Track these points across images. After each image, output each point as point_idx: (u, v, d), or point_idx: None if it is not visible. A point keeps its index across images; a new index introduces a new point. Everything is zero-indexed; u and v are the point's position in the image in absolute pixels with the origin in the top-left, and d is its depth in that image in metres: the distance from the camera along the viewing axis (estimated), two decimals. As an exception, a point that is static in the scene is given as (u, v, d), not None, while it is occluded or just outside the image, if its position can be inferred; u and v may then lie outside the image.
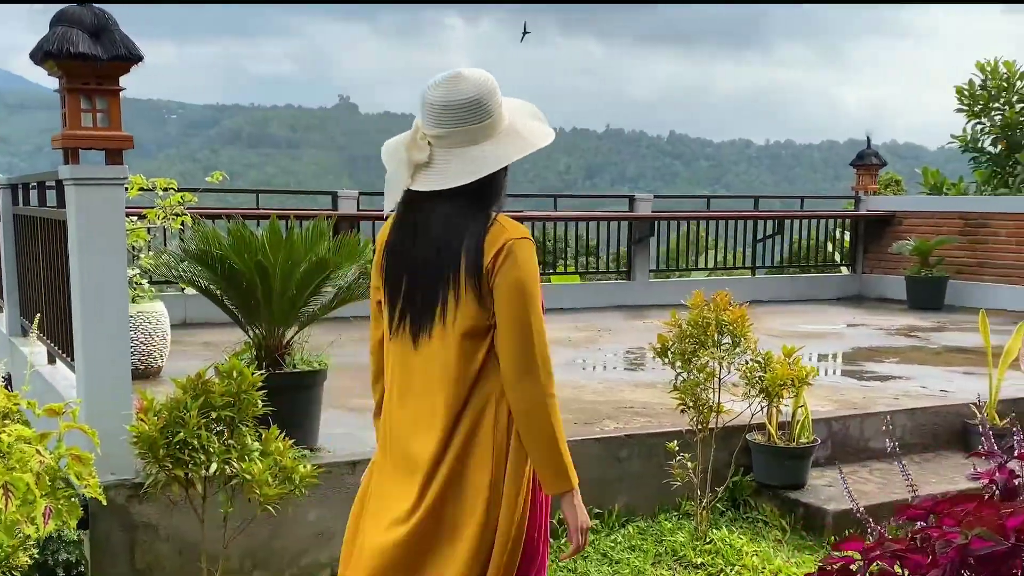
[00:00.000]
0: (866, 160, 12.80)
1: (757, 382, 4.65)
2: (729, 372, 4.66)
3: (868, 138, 13.03)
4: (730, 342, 4.66)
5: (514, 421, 2.40)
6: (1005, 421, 5.68)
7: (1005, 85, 14.35)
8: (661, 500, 5.01)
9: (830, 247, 13.34)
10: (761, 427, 5.11)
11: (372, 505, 2.54)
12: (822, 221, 12.67)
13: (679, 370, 4.67)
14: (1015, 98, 14.27)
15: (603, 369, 7.17)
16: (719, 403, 4.67)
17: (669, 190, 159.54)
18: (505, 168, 2.41)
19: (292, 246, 4.31)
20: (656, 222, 11.27)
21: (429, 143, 2.38)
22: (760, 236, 12.13)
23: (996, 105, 14.41)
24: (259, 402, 3.65)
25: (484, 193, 2.40)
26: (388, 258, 2.49)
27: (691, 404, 4.64)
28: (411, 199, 2.43)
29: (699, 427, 4.69)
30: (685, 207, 13.00)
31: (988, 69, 14.52)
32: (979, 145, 14.56)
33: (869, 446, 5.58)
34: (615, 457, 4.91)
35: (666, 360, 4.71)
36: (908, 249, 11.20)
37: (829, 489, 5.10)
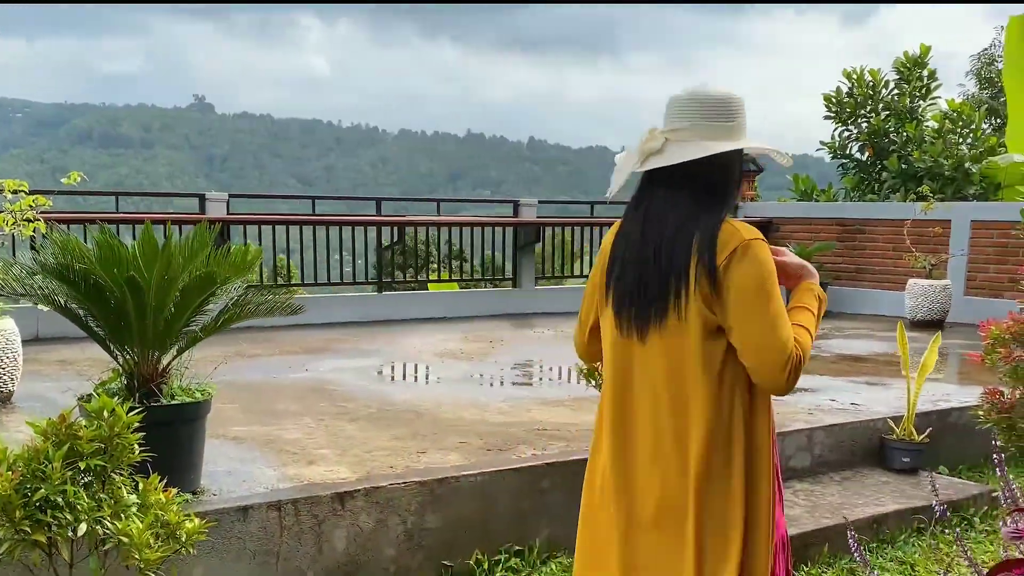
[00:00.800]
0: (744, 166, 12.73)
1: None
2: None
3: (746, 144, 12.98)
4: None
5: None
6: (923, 436, 5.48)
7: (871, 93, 14.56)
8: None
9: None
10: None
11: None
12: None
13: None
14: (880, 106, 14.49)
15: (503, 384, 6.69)
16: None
17: (531, 195, 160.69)
18: (739, 172, 2.34)
19: (170, 258, 3.66)
20: (542, 228, 10.88)
21: (666, 138, 2.28)
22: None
23: (863, 112, 14.60)
24: (135, 446, 3.03)
25: (715, 189, 2.28)
26: (617, 248, 2.37)
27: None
28: (642, 187, 2.35)
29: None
30: (570, 213, 12.67)
31: (854, 77, 14.71)
32: (848, 152, 14.73)
33: (791, 465, 5.28)
34: (536, 488, 4.43)
35: (593, 382, 4.26)
36: (790, 255, 11.13)
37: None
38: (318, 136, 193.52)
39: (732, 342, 2.23)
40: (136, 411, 3.08)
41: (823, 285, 7.33)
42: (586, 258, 12.50)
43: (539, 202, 10.96)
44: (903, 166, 13.55)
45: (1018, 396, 4.89)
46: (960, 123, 13.44)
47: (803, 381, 6.90)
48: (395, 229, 10.42)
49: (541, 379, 6.94)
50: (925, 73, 14.53)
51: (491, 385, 6.64)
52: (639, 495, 2.34)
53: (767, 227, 12.15)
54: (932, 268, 10.05)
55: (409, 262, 11.60)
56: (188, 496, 3.66)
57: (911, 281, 10.06)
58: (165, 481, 3.12)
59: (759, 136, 2.39)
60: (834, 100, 14.85)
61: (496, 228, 10.89)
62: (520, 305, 10.67)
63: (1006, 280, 9.87)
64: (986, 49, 25.06)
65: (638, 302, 2.29)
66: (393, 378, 7.00)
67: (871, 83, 14.60)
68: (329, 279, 9.90)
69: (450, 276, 12.23)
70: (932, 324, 9.84)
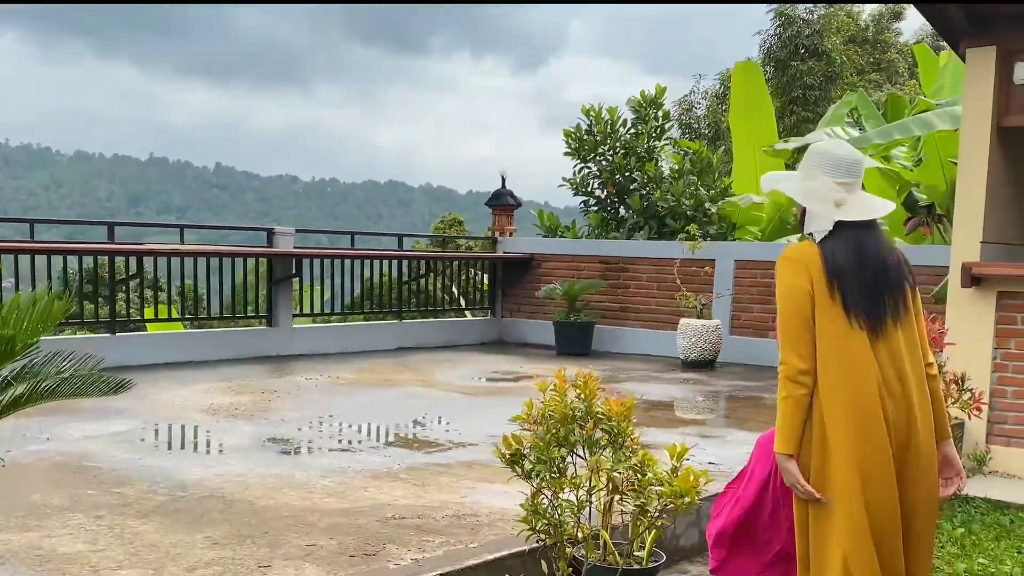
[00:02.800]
0: (502, 200, 12.12)
1: (653, 497, 3.33)
2: (609, 485, 3.31)
3: (503, 178, 12.41)
4: (607, 441, 3.32)
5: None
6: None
7: (609, 131, 14.45)
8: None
9: (455, 290, 12.48)
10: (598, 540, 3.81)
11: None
12: (463, 263, 11.75)
13: (540, 484, 3.23)
14: (618, 144, 14.41)
15: (311, 452, 5.45)
16: (601, 529, 3.30)
17: (218, 221, 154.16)
18: None
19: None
20: (299, 259, 9.60)
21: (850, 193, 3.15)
22: (407, 278, 10.91)
23: (602, 151, 14.46)
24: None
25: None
26: (837, 267, 3.05)
27: (550, 533, 3.22)
28: (841, 226, 3.09)
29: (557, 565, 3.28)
30: (324, 243, 11.43)
31: (593, 115, 14.55)
32: (589, 189, 14.51)
33: (680, 545, 4.50)
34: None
35: (520, 471, 3.25)
36: (558, 293, 10.58)
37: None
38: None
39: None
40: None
41: (589, 324, 8.93)
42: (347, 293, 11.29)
43: (296, 231, 9.69)
44: (644, 204, 13.51)
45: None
46: (699, 164, 13.58)
47: (642, 436, 6.20)
48: (132, 259, 8.77)
49: (351, 442, 5.76)
50: (660, 113, 14.64)
51: (297, 453, 5.39)
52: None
53: (527, 264, 11.57)
54: (703, 308, 9.83)
55: (147, 299, 9.90)
56: None
57: (683, 321, 9.78)
58: None
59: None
60: (574, 136, 14.63)
61: (248, 259, 9.50)
62: (278, 346, 9.33)
63: (770, 320, 9.82)
64: (685, 96, 26.33)
65: (887, 310, 3.07)
66: (169, 447, 5.57)
67: (609, 121, 14.51)
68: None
69: (181, 314, 10.60)
70: (704, 364, 9.61)
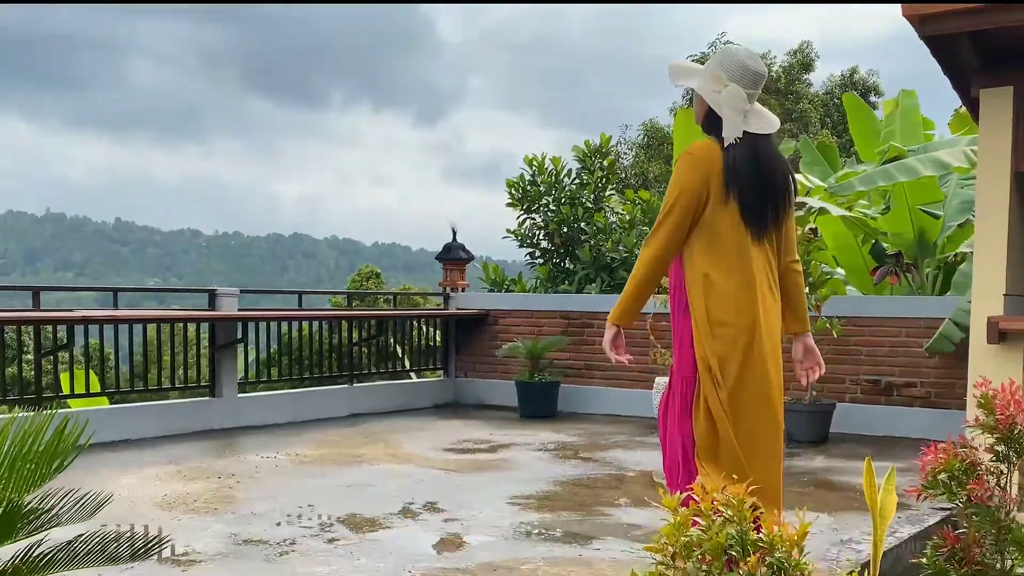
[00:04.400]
0: (453, 254, 11.39)
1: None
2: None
3: (454, 231, 11.70)
4: None
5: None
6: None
7: (554, 181, 13.88)
8: None
9: (399, 350, 11.64)
10: None
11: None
12: (415, 321, 10.93)
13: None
14: (563, 195, 13.84)
15: (303, 556, 4.55)
16: None
17: (120, 277, 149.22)
18: None
19: None
20: (244, 323, 8.68)
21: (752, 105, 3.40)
22: (357, 339, 10.05)
23: (548, 201, 13.86)
24: None
25: None
26: (737, 175, 3.32)
27: None
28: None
29: None
30: (270, 303, 10.47)
31: (536, 164, 13.97)
32: (535, 241, 13.87)
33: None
34: None
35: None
36: (521, 352, 9.86)
37: None
38: None
39: None
40: None
41: (554, 384, 8.68)
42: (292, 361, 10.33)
43: (241, 292, 8.77)
44: (594, 255, 12.93)
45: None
46: (649, 213, 13.08)
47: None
48: (62, 328, 7.74)
49: (342, 540, 4.88)
50: (606, 163, 14.14)
51: (285, 558, 4.47)
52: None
53: (483, 320, 10.83)
54: (678, 365, 9.20)
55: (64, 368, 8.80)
56: None
57: (658, 380, 9.14)
58: None
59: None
60: (517, 187, 14.01)
61: (188, 324, 8.55)
62: (223, 418, 8.37)
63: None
64: (613, 146, 26.02)
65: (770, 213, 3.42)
66: (131, 557, 4.61)
67: (553, 171, 13.95)
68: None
69: (101, 388, 9.47)
70: (683, 425, 8.96)
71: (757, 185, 3.29)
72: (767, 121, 3.39)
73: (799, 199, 12.31)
